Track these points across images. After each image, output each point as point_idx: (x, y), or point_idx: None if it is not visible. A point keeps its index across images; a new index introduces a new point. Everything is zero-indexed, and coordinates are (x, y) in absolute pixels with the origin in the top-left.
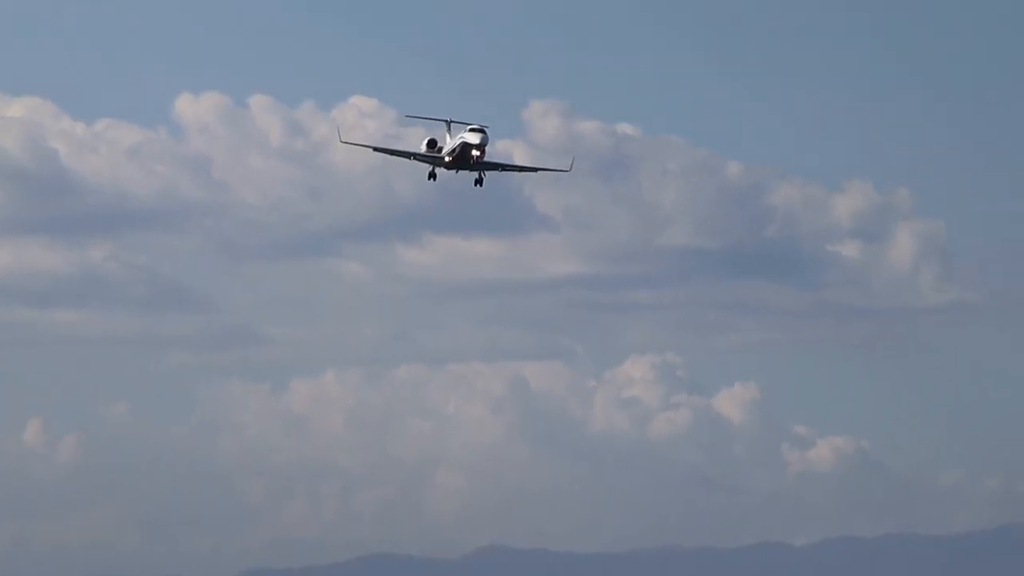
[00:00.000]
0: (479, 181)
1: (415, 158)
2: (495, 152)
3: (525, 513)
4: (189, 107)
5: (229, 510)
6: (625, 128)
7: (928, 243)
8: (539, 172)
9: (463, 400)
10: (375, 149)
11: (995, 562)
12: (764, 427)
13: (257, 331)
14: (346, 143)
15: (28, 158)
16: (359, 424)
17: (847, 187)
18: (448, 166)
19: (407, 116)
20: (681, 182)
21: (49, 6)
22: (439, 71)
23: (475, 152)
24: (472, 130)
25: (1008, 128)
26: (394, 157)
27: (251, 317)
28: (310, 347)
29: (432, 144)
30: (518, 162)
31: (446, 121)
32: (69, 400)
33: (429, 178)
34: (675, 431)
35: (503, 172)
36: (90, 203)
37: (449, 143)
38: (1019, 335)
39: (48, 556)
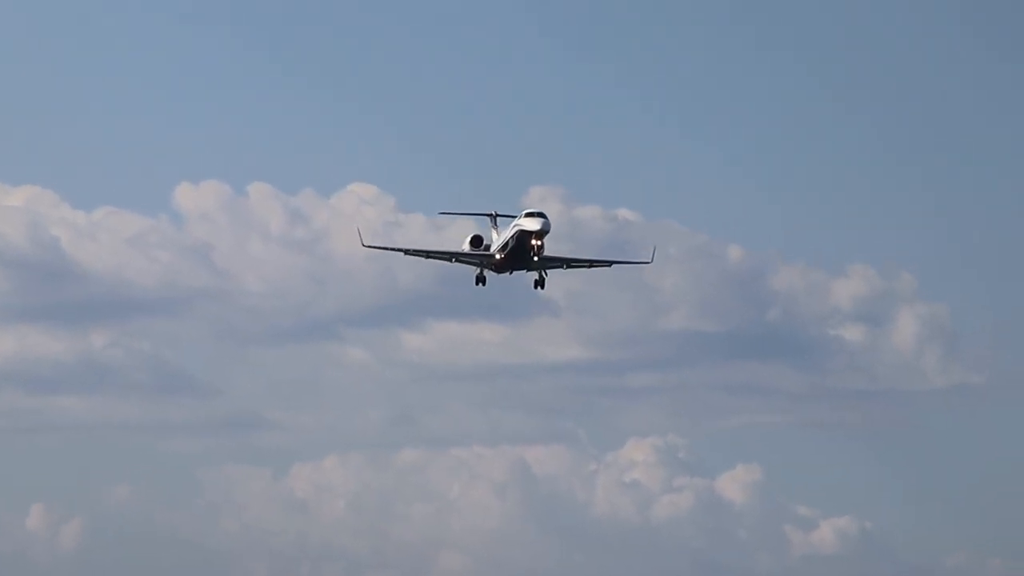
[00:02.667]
0: (540, 283)
1: (458, 259)
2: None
3: None
4: (189, 195)
5: None
6: (625, 213)
7: (932, 326)
8: (613, 266)
9: (465, 483)
10: (406, 252)
11: None
12: (767, 508)
13: (259, 416)
14: (369, 247)
15: (29, 246)
16: (361, 508)
17: (849, 271)
18: (500, 266)
19: (441, 213)
20: (682, 266)
21: (47, 96)
22: (438, 158)
23: (535, 242)
24: (529, 215)
25: (1012, 210)
26: (431, 260)
27: (253, 402)
28: (312, 432)
29: (477, 242)
30: (585, 256)
31: (491, 215)
32: (71, 486)
33: (477, 283)
34: (677, 513)
35: (569, 268)
36: (91, 290)
37: (498, 238)
38: (1020, 416)
39: None
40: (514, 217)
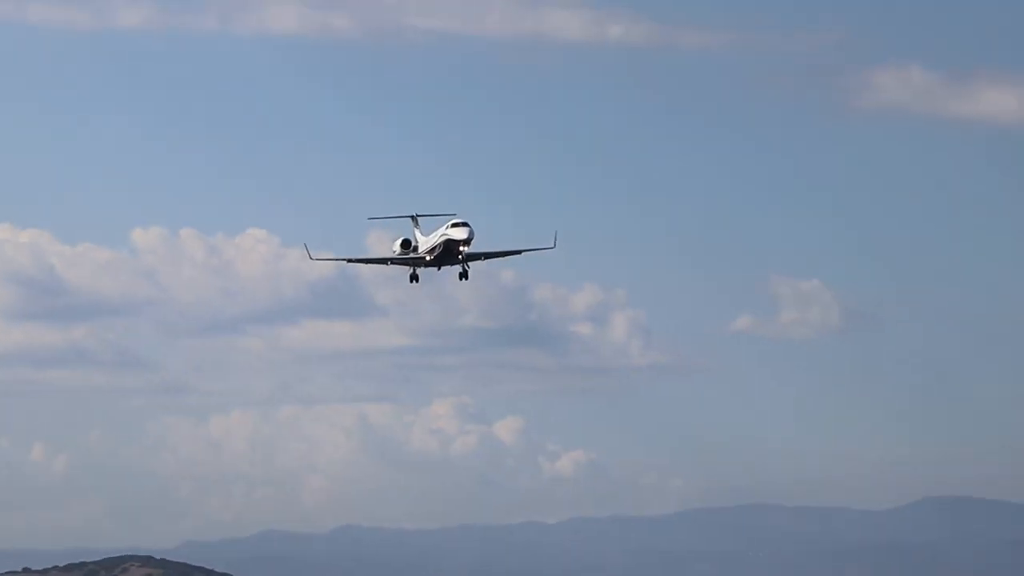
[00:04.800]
0: (464, 275)
1: (392, 263)
2: None
3: (368, 503)
4: (141, 236)
5: (169, 502)
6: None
7: (635, 324)
8: (523, 254)
9: (326, 430)
10: (349, 261)
11: (681, 538)
12: (527, 446)
13: (188, 384)
14: (317, 259)
15: (34, 271)
16: (256, 446)
17: (584, 287)
18: (429, 264)
19: (370, 218)
20: (471, 283)
21: (42, 158)
22: (319, 201)
23: (463, 248)
24: (455, 225)
25: (710, 238)
26: (371, 265)
27: (184, 375)
28: (223, 395)
29: (407, 244)
30: (497, 248)
31: (412, 217)
32: (61, 431)
33: (411, 280)
34: (468, 449)
35: (486, 259)
36: (75, 300)
37: (426, 240)
38: (693, 385)
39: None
40: (434, 217)
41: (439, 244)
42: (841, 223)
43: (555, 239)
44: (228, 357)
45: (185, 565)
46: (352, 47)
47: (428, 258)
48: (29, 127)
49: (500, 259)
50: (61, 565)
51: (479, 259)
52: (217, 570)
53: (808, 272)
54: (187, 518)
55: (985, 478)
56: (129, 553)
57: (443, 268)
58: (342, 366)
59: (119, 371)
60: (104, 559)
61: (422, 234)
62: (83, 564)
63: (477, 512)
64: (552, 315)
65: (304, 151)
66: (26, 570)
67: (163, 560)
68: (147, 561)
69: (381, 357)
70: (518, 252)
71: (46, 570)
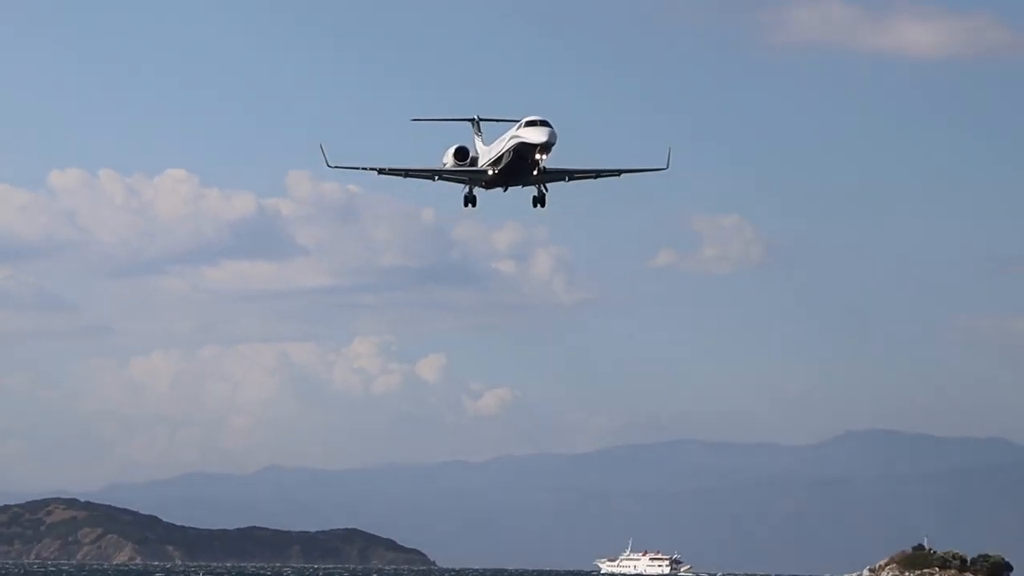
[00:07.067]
0: (540, 199)
1: (441, 177)
2: None
3: (292, 443)
4: (59, 178)
5: (91, 444)
6: (351, 188)
7: (560, 261)
8: (622, 175)
9: (248, 369)
10: (380, 171)
11: (605, 475)
12: (450, 383)
13: (109, 326)
14: (336, 166)
15: None
16: (178, 386)
17: (505, 226)
18: (492, 181)
19: (414, 120)
20: (392, 223)
21: None
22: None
23: (540, 156)
24: (531, 123)
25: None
26: (409, 179)
27: (105, 316)
28: (144, 335)
29: (462, 154)
30: (586, 166)
31: (471, 120)
32: None
33: (466, 204)
34: (390, 388)
35: (571, 181)
36: None
37: (487, 150)
38: (623, 320)
39: None
40: (504, 122)
41: (508, 151)
42: (760, 159)
43: (668, 158)
44: (149, 298)
45: (109, 507)
46: None
47: (491, 172)
48: None
49: (591, 180)
50: None
51: (561, 178)
52: (142, 512)
53: (728, 207)
54: (111, 460)
55: (905, 412)
56: (53, 496)
57: (510, 188)
58: (264, 306)
59: (39, 314)
60: (28, 502)
61: (484, 144)
62: (7, 508)
63: (401, 451)
64: (474, 253)
65: (223, 89)
66: None
67: (87, 503)
68: (71, 504)
69: (302, 297)
70: (617, 173)
71: None
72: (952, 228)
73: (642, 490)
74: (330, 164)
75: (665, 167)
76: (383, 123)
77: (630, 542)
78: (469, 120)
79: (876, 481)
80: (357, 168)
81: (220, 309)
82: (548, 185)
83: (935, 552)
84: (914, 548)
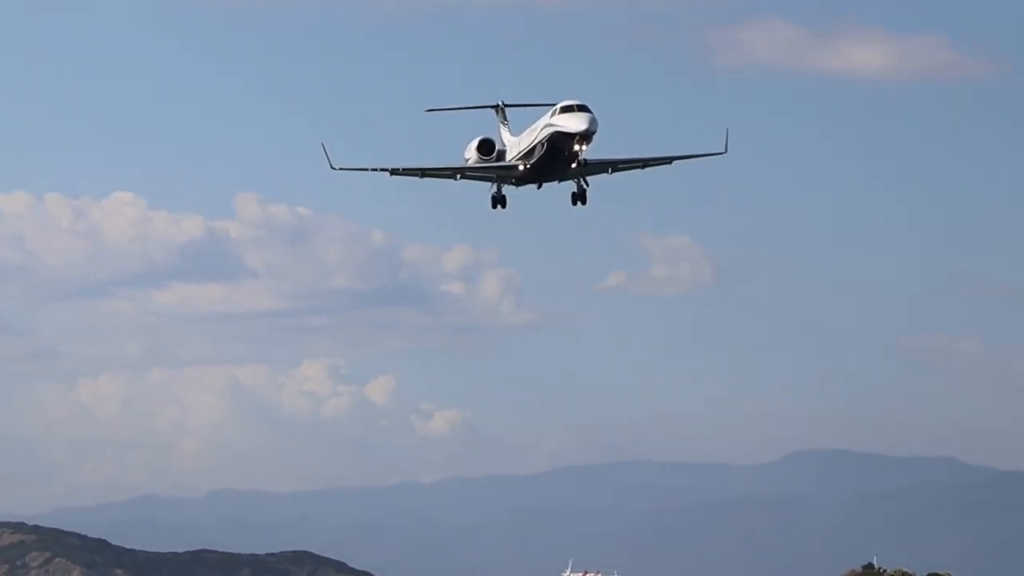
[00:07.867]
0: (580, 196)
1: (464, 175)
2: None
3: (242, 466)
4: (5, 201)
5: (40, 467)
6: (301, 210)
7: (508, 284)
8: (673, 163)
9: (197, 391)
10: (392, 172)
11: (556, 496)
12: (399, 405)
13: (56, 349)
14: (340, 168)
15: None
16: (127, 410)
17: (455, 248)
18: (523, 177)
19: (428, 110)
20: (341, 245)
21: None
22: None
23: (579, 147)
24: (567, 109)
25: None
26: (427, 179)
27: (52, 340)
28: (92, 358)
29: (487, 148)
30: (632, 155)
31: (496, 107)
32: None
33: (494, 205)
34: (339, 411)
35: (615, 173)
36: None
37: (516, 142)
38: (566, 343)
39: None
40: (536, 108)
41: (542, 141)
42: (709, 179)
43: (727, 141)
44: (97, 321)
45: (58, 531)
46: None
47: (522, 167)
48: None
49: (638, 170)
50: None
51: (604, 170)
52: (91, 535)
53: (677, 229)
54: (60, 483)
55: (855, 431)
56: (1, 520)
57: (545, 185)
58: (213, 329)
59: None
60: None
61: (511, 134)
62: None
63: (352, 474)
64: (423, 275)
65: (172, 112)
66: None
67: (35, 526)
68: (19, 528)
69: (252, 319)
70: (668, 160)
71: None
72: (901, 247)
73: (594, 510)
74: (334, 166)
75: (724, 151)
76: (392, 116)
77: (570, 563)
78: (493, 107)
79: (826, 500)
80: (366, 169)
81: (169, 332)
82: (589, 179)
83: (885, 571)
84: (864, 567)
